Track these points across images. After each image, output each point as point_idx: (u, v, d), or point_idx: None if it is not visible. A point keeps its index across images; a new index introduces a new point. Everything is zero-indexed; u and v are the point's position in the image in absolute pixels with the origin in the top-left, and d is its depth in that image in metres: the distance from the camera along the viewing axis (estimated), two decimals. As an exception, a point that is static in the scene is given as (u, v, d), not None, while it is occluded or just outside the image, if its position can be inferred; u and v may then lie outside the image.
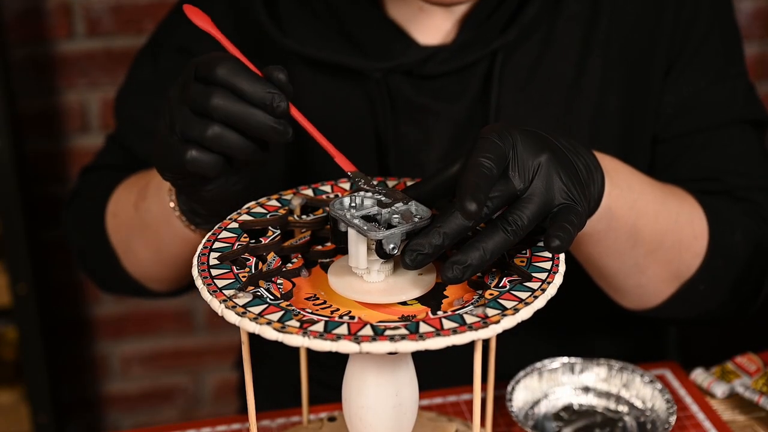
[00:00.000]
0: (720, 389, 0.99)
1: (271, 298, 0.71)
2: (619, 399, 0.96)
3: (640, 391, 0.95)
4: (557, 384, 0.97)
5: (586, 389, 0.97)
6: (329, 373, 1.03)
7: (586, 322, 1.12)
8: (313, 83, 1.03)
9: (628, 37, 1.02)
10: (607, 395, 0.96)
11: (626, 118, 1.03)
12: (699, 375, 1.01)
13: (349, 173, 0.77)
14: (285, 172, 1.05)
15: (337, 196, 0.82)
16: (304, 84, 1.03)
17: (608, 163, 0.87)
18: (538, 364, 0.96)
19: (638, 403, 0.95)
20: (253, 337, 0.72)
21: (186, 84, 0.75)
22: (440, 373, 1.02)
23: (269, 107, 0.73)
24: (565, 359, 0.97)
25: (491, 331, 0.66)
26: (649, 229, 0.92)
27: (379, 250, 0.72)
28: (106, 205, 1.07)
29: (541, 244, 0.75)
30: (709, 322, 1.07)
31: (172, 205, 0.93)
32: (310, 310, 0.70)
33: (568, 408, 0.96)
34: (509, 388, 0.93)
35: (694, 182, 1.02)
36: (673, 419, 0.89)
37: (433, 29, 1.02)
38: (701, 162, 1.04)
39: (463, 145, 1.01)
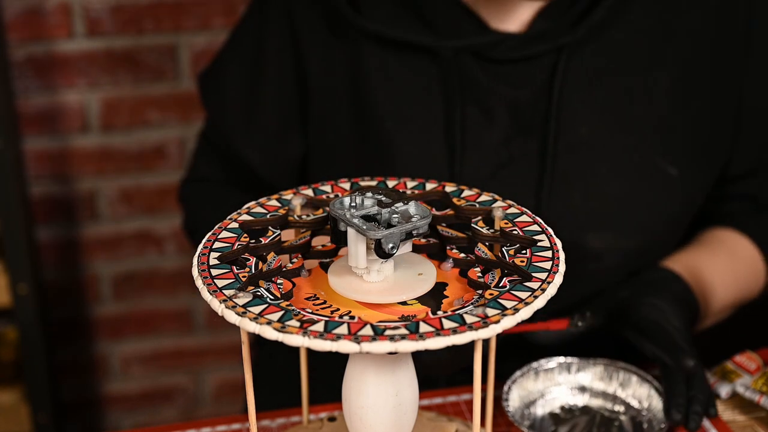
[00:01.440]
0: (724, 390, 0.99)
1: (271, 298, 0.71)
2: (615, 399, 0.96)
3: (636, 390, 0.95)
4: (554, 384, 0.97)
5: (583, 389, 0.97)
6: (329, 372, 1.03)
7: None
8: (383, 61, 1.06)
9: (702, 57, 1.05)
10: (604, 395, 0.96)
11: (696, 132, 1.06)
12: (700, 376, 1.01)
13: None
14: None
15: (337, 195, 0.83)
16: (375, 61, 1.06)
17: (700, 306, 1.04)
18: (535, 364, 0.96)
19: (634, 403, 0.95)
20: (260, 336, 0.72)
21: None
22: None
23: None
24: (561, 359, 0.97)
25: (491, 331, 0.66)
26: (732, 309, 1.13)
27: (378, 249, 0.72)
28: None
29: (540, 243, 0.76)
30: None
31: None
32: (310, 310, 0.71)
33: (564, 408, 0.96)
34: (505, 387, 0.93)
35: None
36: (671, 419, 0.89)
37: (508, 16, 1.04)
38: None
39: (524, 130, 1.04)
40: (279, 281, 0.75)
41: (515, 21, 1.05)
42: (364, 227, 0.72)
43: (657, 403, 0.92)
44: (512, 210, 0.80)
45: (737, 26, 1.07)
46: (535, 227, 0.78)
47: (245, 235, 0.78)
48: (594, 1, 1.03)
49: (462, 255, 0.79)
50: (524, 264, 0.73)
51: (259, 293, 0.71)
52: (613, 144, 1.04)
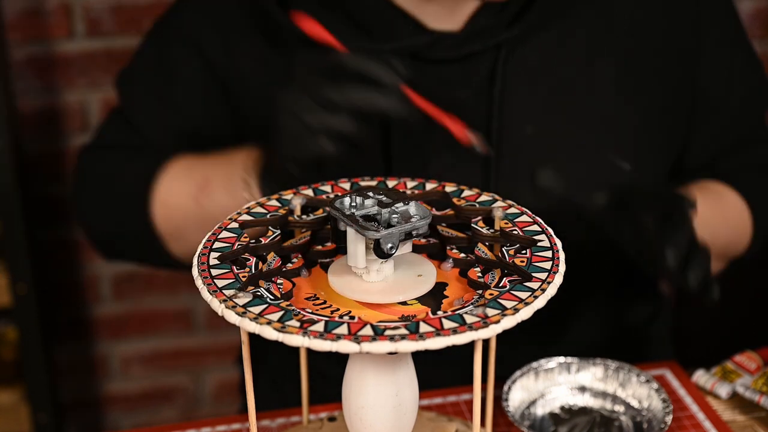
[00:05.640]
0: (724, 390, 0.99)
1: (271, 298, 0.71)
2: (615, 399, 0.96)
3: (636, 390, 0.95)
4: (554, 384, 0.97)
5: (583, 389, 0.97)
6: (331, 366, 1.03)
7: (579, 317, 1.12)
8: None
9: (647, 49, 1.04)
10: (604, 395, 0.96)
11: (647, 125, 1.04)
12: (701, 377, 1.01)
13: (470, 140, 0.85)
14: None
15: (337, 195, 0.83)
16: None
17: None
18: (535, 364, 0.96)
19: (634, 403, 0.95)
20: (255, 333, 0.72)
21: (312, 81, 0.84)
22: (440, 373, 1.02)
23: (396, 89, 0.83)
24: (561, 359, 0.97)
25: (491, 331, 0.66)
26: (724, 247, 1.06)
27: (377, 249, 0.72)
28: (149, 192, 1.07)
29: (540, 243, 0.76)
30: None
31: (246, 195, 0.97)
32: (310, 310, 0.71)
33: (564, 408, 0.96)
34: (505, 387, 0.93)
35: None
36: (669, 419, 0.89)
37: (443, 17, 1.03)
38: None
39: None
40: (279, 281, 0.75)
41: (455, 20, 1.03)
42: (363, 227, 0.72)
43: (657, 404, 0.92)
44: (512, 210, 0.80)
45: (687, 17, 1.05)
46: (535, 227, 0.78)
47: (245, 234, 0.78)
48: None
49: (462, 255, 0.79)
50: (524, 264, 0.73)
51: (259, 293, 0.71)
52: (561, 141, 1.02)
